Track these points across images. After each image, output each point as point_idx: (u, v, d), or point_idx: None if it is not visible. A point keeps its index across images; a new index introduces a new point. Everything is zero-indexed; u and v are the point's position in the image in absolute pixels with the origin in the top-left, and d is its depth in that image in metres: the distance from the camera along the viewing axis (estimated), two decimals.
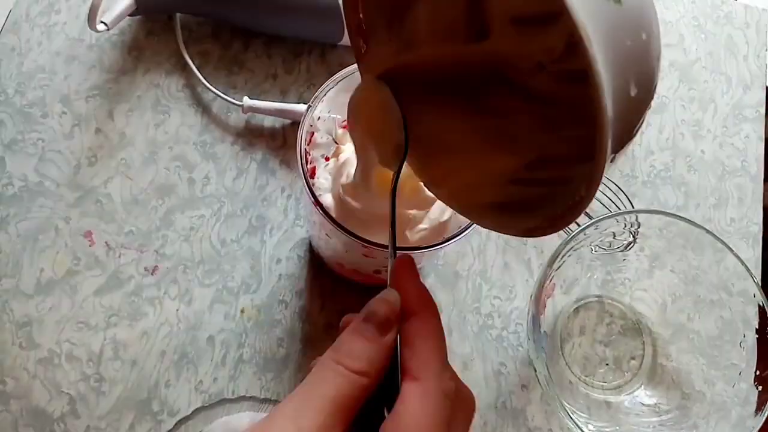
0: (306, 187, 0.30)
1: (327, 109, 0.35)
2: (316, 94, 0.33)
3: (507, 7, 0.22)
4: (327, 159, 0.38)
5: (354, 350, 0.23)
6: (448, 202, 0.28)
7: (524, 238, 0.48)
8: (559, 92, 0.22)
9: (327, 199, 0.34)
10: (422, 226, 0.35)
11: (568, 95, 0.22)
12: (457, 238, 0.31)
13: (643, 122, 0.22)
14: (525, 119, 0.24)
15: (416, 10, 0.25)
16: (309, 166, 0.36)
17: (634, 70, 0.19)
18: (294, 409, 0.21)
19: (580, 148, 0.21)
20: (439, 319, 0.24)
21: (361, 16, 0.27)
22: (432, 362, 0.23)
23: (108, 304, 0.43)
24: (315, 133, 0.35)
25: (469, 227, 0.31)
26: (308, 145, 0.34)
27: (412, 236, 0.34)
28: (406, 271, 0.25)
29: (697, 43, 0.56)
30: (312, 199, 0.30)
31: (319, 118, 0.34)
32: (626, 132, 0.21)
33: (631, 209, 0.47)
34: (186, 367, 0.43)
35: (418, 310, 0.24)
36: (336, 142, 0.39)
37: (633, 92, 0.19)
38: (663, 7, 0.57)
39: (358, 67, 0.29)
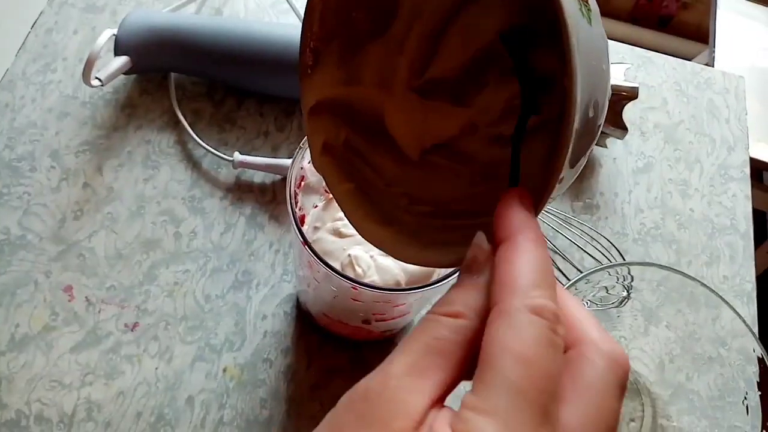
0: (294, 225, 0.29)
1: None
2: (304, 141, 0.33)
3: None
4: (315, 207, 0.37)
5: (446, 298, 0.20)
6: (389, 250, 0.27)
7: None
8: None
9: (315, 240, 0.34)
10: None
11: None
12: (452, 277, 0.30)
13: (587, 156, 0.21)
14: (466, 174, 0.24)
15: (370, 52, 0.25)
16: (299, 213, 0.36)
17: (596, 92, 0.19)
18: (385, 361, 0.19)
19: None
20: (536, 237, 0.20)
21: (316, 30, 0.27)
22: (512, 281, 0.19)
23: (84, 362, 0.41)
24: (305, 177, 0.35)
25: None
26: (298, 188, 0.34)
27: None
28: (509, 202, 0.21)
29: (680, 106, 0.57)
30: (300, 238, 0.29)
31: (309, 162, 0.34)
32: (579, 154, 0.20)
33: (622, 262, 0.46)
34: (163, 429, 0.40)
35: (509, 235, 0.20)
36: (326, 191, 0.39)
37: (591, 114, 0.19)
38: (645, 72, 0.59)
39: (300, 85, 0.28)
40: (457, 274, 0.30)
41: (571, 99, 0.18)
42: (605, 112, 0.21)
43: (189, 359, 0.42)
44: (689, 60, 1.26)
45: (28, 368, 0.41)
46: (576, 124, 0.18)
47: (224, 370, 0.42)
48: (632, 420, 0.44)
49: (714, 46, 1.10)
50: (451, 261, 0.23)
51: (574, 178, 0.21)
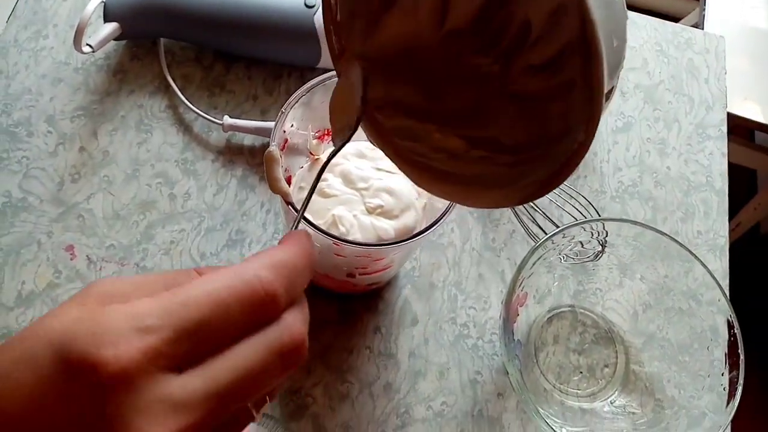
0: (282, 201, 0.31)
1: (300, 122, 0.37)
2: (288, 101, 0.34)
3: None
4: (301, 167, 0.39)
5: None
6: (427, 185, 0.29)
7: (498, 250, 0.49)
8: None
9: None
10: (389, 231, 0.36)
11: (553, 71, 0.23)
12: (424, 234, 0.32)
13: (621, 69, 0.24)
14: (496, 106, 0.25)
15: (388, 22, 0.27)
16: (285, 174, 0.37)
17: (614, 27, 0.21)
18: None
19: (568, 109, 0.23)
20: (297, 245, 0.24)
21: (337, 17, 0.29)
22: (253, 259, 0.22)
23: None
24: (288, 140, 0.36)
25: (436, 224, 0.32)
26: (282, 150, 0.36)
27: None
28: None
29: (660, 66, 0.59)
30: (282, 199, 0.31)
31: (292, 127, 0.36)
32: (611, 73, 0.22)
33: (597, 218, 0.48)
34: None
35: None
36: (311, 153, 0.40)
37: (615, 43, 0.21)
38: (627, 33, 0.59)
39: (335, 68, 0.30)
40: (428, 230, 0.32)
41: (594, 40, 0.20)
42: (626, 40, 0.24)
43: None
44: (680, 19, 1.25)
45: None
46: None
47: None
48: (606, 366, 0.47)
49: (705, 4, 1.10)
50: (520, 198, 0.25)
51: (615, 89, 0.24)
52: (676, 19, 1.28)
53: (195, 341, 0.20)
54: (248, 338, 0.21)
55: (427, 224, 0.38)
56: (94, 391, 0.18)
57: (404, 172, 0.29)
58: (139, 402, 0.18)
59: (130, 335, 0.19)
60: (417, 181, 0.29)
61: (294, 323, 0.22)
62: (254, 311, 0.21)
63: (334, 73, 0.32)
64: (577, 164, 0.23)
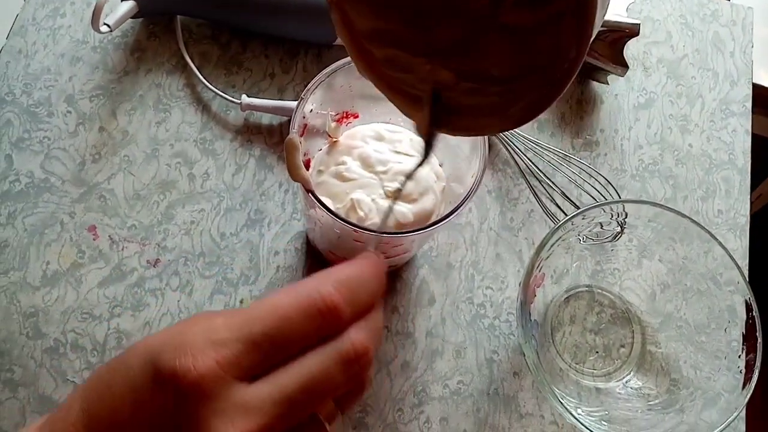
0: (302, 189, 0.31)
1: (319, 104, 0.37)
2: (308, 87, 0.34)
3: None
4: (320, 150, 0.39)
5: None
6: None
7: (515, 230, 0.49)
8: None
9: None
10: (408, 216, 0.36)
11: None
12: (442, 222, 0.32)
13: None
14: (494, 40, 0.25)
15: None
16: (304, 157, 0.38)
17: None
18: None
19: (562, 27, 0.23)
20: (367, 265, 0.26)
21: None
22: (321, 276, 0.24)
23: (111, 296, 0.45)
24: (308, 125, 0.36)
25: (456, 210, 0.33)
26: (302, 136, 0.36)
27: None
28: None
29: (685, 40, 0.57)
30: (303, 186, 0.31)
31: (311, 111, 0.36)
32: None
33: (618, 200, 0.48)
34: None
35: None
36: (329, 136, 0.40)
37: None
38: (651, 5, 0.58)
39: None
40: (448, 218, 0.32)
41: None
42: None
43: (208, 292, 0.46)
44: None
45: (60, 302, 0.44)
46: None
47: (241, 302, 0.46)
48: (622, 346, 0.47)
49: None
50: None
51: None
52: None
53: (263, 352, 0.22)
54: (314, 350, 0.23)
55: (446, 208, 0.38)
56: (177, 396, 0.21)
57: (396, 104, 0.29)
58: (215, 406, 0.21)
59: (207, 348, 0.21)
60: (409, 113, 0.29)
61: (357, 335, 0.24)
62: (316, 323, 0.23)
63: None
64: (567, 84, 0.24)
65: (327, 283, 0.23)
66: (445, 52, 0.26)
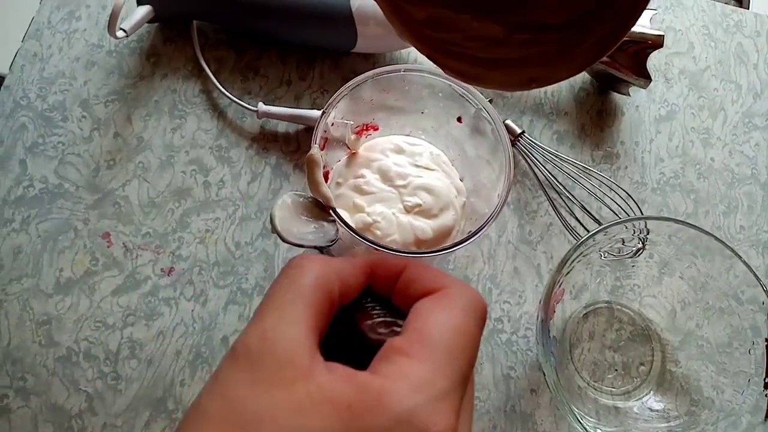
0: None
1: (341, 115, 0.36)
2: (330, 101, 0.34)
3: None
4: (339, 161, 0.38)
5: (306, 255, 0.24)
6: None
7: (534, 243, 0.48)
8: None
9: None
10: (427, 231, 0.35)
11: None
12: (465, 243, 0.32)
13: None
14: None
15: None
16: (323, 169, 0.37)
17: None
18: (255, 315, 0.22)
19: None
20: None
21: None
22: (444, 276, 0.24)
23: (125, 304, 0.44)
24: (329, 138, 0.36)
25: (480, 231, 0.32)
26: (322, 149, 0.35)
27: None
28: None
29: (707, 51, 0.56)
30: (324, 204, 0.31)
31: (332, 124, 0.35)
32: None
33: (641, 216, 0.47)
34: (200, 366, 0.43)
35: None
36: (349, 148, 0.40)
37: None
38: (673, 15, 0.57)
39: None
40: (468, 241, 0.31)
41: None
42: None
43: (222, 302, 0.45)
44: None
45: (74, 310, 0.44)
46: None
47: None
48: (642, 364, 0.46)
49: None
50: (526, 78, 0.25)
51: None
52: None
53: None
54: None
55: (466, 223, 0.38)
56: None
57: (439, 65, 0.27)
58: None
59: (437, 404, 0.20)
60: (456, 72, 0.28)
61: None
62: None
63: (381, 69, 0.31)
64: (640, 13, 0.22)
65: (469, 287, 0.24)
66: (492, 6, 0.25)
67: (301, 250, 0.43)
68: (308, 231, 0.30)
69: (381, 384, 0.20)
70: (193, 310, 0.45)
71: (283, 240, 0.30)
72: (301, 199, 0.31)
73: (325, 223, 0.31)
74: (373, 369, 0.21)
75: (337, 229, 0.31)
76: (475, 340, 0.22)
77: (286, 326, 0.21)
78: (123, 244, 0.46)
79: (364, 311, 0.24)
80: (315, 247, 0.31)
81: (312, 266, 0.22)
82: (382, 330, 0.23)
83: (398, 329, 0.23)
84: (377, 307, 0.24)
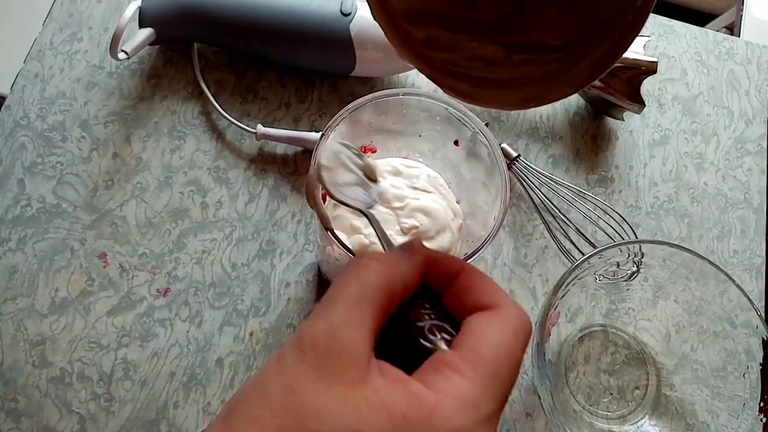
0: (319, 224, 0.31)
1: (340, 137, 0.36)
2: (330, 123, 0.34)
3: None
4: None
5: (375, 253, 0.24)
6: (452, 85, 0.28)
7: (529, 266, 0.48)
8: None
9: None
10: None
11: None
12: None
13: None
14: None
15: None
16: (322, 190, 0.37)
17: None
18: (323, 306, 0.22)
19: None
20: None
21: None
22: (500, 291, 0.24)
23: (120, 325, 0.44)
24: None
25: (476, 253, 0.32)
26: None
27: None
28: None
29: (700, 77, 0.57)
30: (322, 224, 0.31)
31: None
32: None
33: (635, 239, 0.48)
34: (194, 388, 0.43)
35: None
36: None
37: None
38: (666, 42, 0.58)
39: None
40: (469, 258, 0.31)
41: None
42: None
43: (218, 323, 0.45)
44: (719, 15, 1.21)
45: (68, 330, 0.44)
46: None
47: (251, 334, 0.45)
48: (637, 388, 0.46)
49: (743, 4, 1.07)
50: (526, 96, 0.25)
51: None
52: (711, 16, 1.25)
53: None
54: None
55: (462, 246, 0.38)
56: None
57: (438, 84, 0.28)
58: None
59: (480, 427, 0.21)
60: (455, 91, 0.28)
61: None
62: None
63: (380, 93, 0.32)
64: (638, 32, 0.22)
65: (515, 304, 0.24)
66: (490, 28, 0.25)
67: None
68: (351, 182, 0.30)
69: (435, 400, 0.20)
70: (188, 331, 0.44)
71: (329, 194, 0.29)
72: (345, 148, 0.31)
73: (363, 176, 0.31)
74: (424, 380, 0.21)
75: (378, 190, 0.31)
76: (519, 363, 0.23)
77: (352, 327, 0.21)
78: (119, 264, 0.46)
79: (417, 310, 0.24)
80: (357, 209, 0.30)
81: (379, 268, 0.23)
82: (432, 336, 0.23)
83: (448, 337, 0.23)
84: (429, 307, 0.24)
